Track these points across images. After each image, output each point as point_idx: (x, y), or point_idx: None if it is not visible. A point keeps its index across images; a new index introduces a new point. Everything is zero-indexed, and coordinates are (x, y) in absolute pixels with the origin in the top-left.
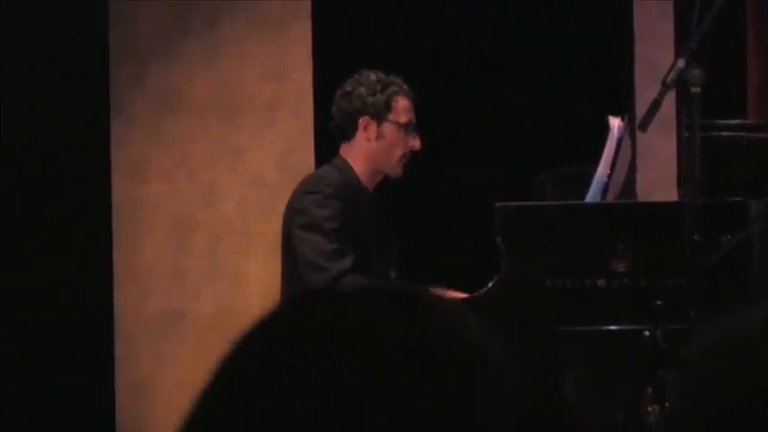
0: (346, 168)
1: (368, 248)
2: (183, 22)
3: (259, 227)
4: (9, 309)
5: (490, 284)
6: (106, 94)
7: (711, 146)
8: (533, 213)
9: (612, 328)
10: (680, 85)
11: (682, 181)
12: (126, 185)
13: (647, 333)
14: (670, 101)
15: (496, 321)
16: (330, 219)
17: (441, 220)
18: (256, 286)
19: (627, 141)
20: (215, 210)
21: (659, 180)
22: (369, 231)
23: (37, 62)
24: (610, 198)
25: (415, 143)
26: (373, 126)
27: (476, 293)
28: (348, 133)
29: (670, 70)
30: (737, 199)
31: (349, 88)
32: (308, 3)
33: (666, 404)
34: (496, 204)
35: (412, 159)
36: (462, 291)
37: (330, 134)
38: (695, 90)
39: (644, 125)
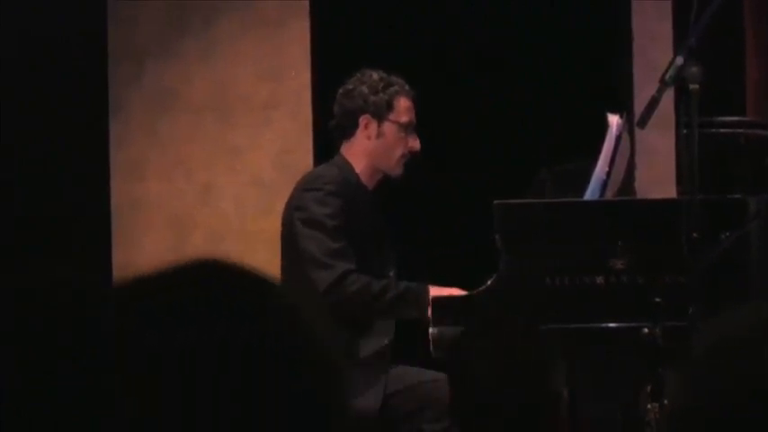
0: (346, 167)
1: (366, 247)
2: (180, 22)
3: (257, 226)
4: (9, 309)
5: (489, 282)
6: (105, 93)
7: (710, 143)
8: (532, 211)
9: (611, 325)
10: (678, 82)
11: (680, 178)
12: (124, 185)
13: (645, 331)
14: (669, 98)
15: (495, 319)
16: (331, 216)
17: (439, 218)
18: None
19: (626, 139)
20: (213, 209)
21: (658, 177)
22: (367, 230)
23: (35, 61)
24: (609, 195)
25: (415, 144)
26: (374, 125)
27: (474, 291)
28: (348, 132)
29: (668, 67)
30: (736, 196)
31: (351, 87)
32: (307, 2)
33: (665, 402)
34: (495, 202)
35: (411, 159)
36: (461, 289)
37: (329, 133)
38: (694, 87)
39: (643, 122)
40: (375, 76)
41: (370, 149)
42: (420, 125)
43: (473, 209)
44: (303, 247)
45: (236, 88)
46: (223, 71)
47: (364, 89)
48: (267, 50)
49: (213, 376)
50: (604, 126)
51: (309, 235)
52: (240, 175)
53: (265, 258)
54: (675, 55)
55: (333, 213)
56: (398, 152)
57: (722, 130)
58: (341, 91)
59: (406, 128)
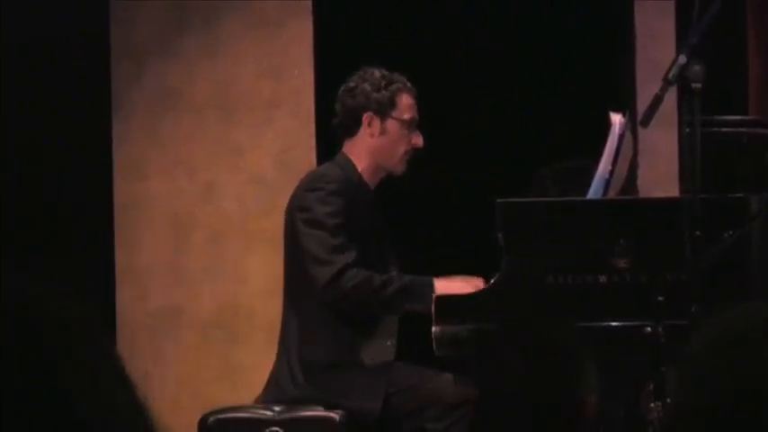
0: (348, 166)
1: (368, 246)
2: (182, 21)
3: (259, 225)
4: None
5: (491, 281)
6: (108, 92)
7: (712, 142)
8: (534, 210)
9: (613, 324)
10: (681, 81)
11: (683, 177)
12: (125, 184)
13: (648, 329)
14: (671, 97)
15: (497, 318)
16: (332, 215)
17: (442, 217)
18: (256, 284)
19: (628, 138)
20: (215, 208)
21: (660, 176)
22: (369, 229)
23: (37, 61)
24: (611, 194)
25: (418, 140)
26: (377, 122)
27: (477, 290)
28: (351, 129)
29: (671, 66)
30: (738, 195)
31: (353, 84)
32: (308, 1)
33: (668, 400)
34: (497, 201)
35: (414, 156)
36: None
37: (331, 132)
38: (696, 86)
39: (645, 121)
40: (377, 73)
41: (374, 147)
42: (421, 124)
43: (475, 208)
44: (304, 246)
45: (238, 87)
46: (225, 70)
47: (367, 86)
48: (269, 49)
49: None
50: (607, 125)
51: (311, 234)
52: (242, 174)
53: (266, 257)
54: (678, 54)
55: (334, 212)
56: (402, 149)
57: (724, 130)
58: (343, 89)
59: (409, 125)
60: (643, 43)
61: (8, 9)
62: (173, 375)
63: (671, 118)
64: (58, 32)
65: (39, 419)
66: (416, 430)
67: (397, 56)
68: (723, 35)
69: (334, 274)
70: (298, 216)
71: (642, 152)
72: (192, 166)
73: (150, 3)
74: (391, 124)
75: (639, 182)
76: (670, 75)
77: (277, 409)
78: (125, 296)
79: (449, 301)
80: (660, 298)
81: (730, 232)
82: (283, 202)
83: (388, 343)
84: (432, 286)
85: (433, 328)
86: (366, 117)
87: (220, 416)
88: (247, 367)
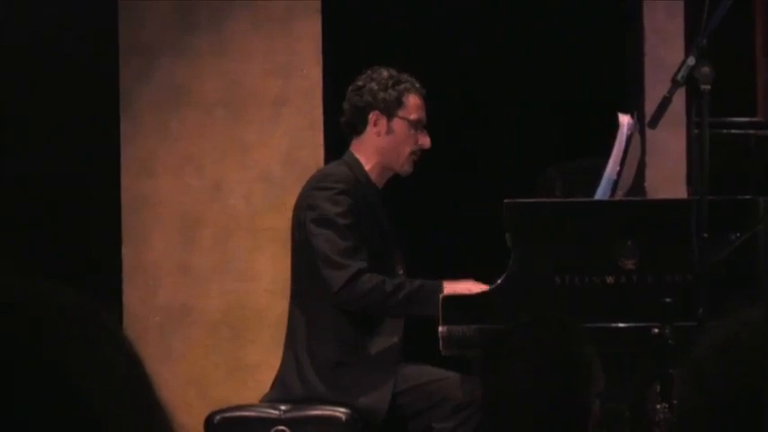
0: (355, 165)
1: (376, 245)
2: (190, 18)
3: (266, 222)
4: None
5: (498, 281)
6: (116, 90)
7: (720, 143)
8: (542, 210)
9: (620, 325)
10: (690, 82)
11: (690, 178)
12: (133, 181)
13: (655, 330)
14: (680, 98)
15: (504, 318)
16: (343, 215)
17: (449, 217)
18: (264, 281)
19: (636, 139)
20: (222, 205)
21: (668, 177)
22: (377, 228)
23: (45, 59)
24: (619, 195)
25: (425, 141)
26: (383, 121)
27: (484, 290)
28: (358, 128)
29: (680, 67)
30: (746, 196)
31: (361, 83)
32: (318, 0)
33: (674, 401)
34: (505, 201)
35: (421, 157)
36: (474, 280)
37: (339, 130)
38: (705, 87)
39: (654, 122)
40: (385, 73)
41: (380, 146)
42: (429, 123)
43: (483, 207)
44: (315, 247)
45: (246, 85)
46: (233, 68)
47: (374, 86)
48: (277, 47)
49: None
50: (615, 125)
51: (321, 234)
52: (250, 172)
53: (274, 255)
54: (687, 55)
55: (344, 212)
56: (407, 149)
57: (733, 131)
58: (351, 88)
59: (415, 125)
60: (652, 44)
61: (17, 7)
62: (181, 373)
63: (679, 119)
64: (66, 30)
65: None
66: (423, 430)
67: (404, 54)
68: (731, 37)
69: (347, 279)
70: (307, 215)
71: (650, 153)
72: (199, 163)
73: (159, 2)
74: (397, 124)
75: (647, 183)
76: (678, 76)
77: (283, 407)
78: (133, 294)
79: (455, 300)
80: (667, 299)
81: (738, 234)
82: (291, 200)
83: (395, 341)
84: (441, 291)
85: (440, 328)
86: (372, 116)
87: (227, 414)
88: (255, 365)
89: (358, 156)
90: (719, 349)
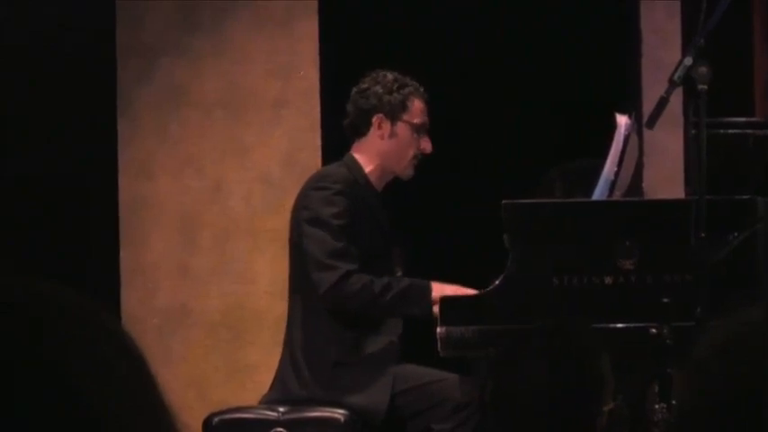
0: (355, 166)
1: (373, 247)
2: (189, 19)
3: (266, 224)
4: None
5: (497, 282)
6: (113, 91)
7: (718, 143)
8: (540, 211)
9: (619, 325)
10: (687, 82)
11: (688, 178)
12: (132, 182)
13: (653, 330)
14: (677, 98)
15: (502, 319)
16: (337, 216)
17: (448, 218)
18: (263, 283)
19: (634, 139)
20: (222, 207)
21: (666, 177)
22: (374, 230)
23: (43, 60)
24: (616, 196)
25: (427, 145)
26: (387, 124)
27: (482, 291)
28: (361, 130)
29: (677, 67)
30: (744, 196)
31: (365, 86)
32: (315, 1)
33: (673, 402)
34: (503, 202)
35: (422, 159)
36: (464, 286)
37: (338, 131)
38: (702, 87)
39: (651, 122)
40: (390, 76)
41: (383, 149)
42: (429, 123)
43: (481, 208)
44: (306, 247)
45: (246, 86)
46: (232, 69)
47: (379, 89)
48: (276, 48)
49: None
50: (613, 126)
51: (313, 234)
52: (249, 174)
53: (274, 256)
54: (684, 55)
55: (339, 213)
56: (410, 153)
57: (730, 131)
58: (355, 90)
59: (418, 129)
60: (649, 44)
61: (15, 8)
62: (180, 375)
63: (677, 119)
64: (65, 31)
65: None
66: (422, 430)
67: (404, 54)
68: (729, 36)
69: (335, 281)
70: (302, 215)
71: (648, 153)
72: (199, 164)
73: (158, 2)
74: (401, 128)
75: (645, 183)
76: (676, 76)
77: (282, 409)
78: (132, 295)
79: (454, 301)
80: (666, 299)
81: (736, 234)
82: (290, 201)
83: (394, 341)
84: (429, 291)
85: (438, 329)
86: (376, 119)
87: (225, 416)
88: (255, 366)
89: (359, 158)
90: (719, 349)
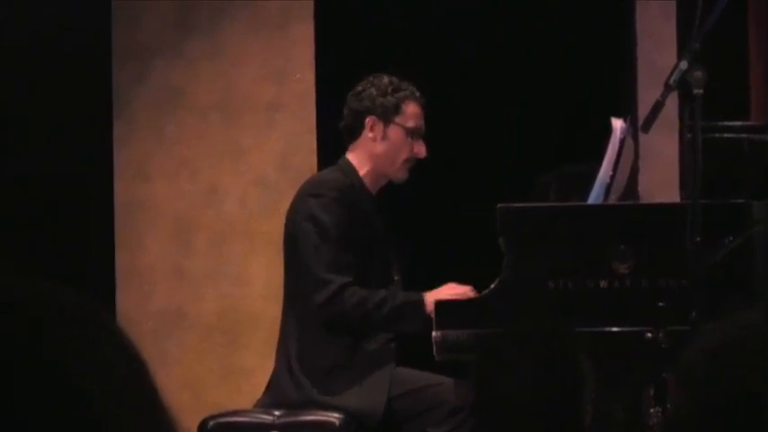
0: (350, 171)
1: (370, 252)
2: (185, 22)
3: (261, 227)
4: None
5: (492, 286)
6: (109, 93)
7: (713, 148)
8: (535, 214)
9: (614, 329)
10: (682, 86)
11: (684, 182)
12: (127, 185)
13: (649, 334)
14: (673, 102)
15: (498, 323)
16: (334, 224)
17: (443, 221)
18: (258, 286)
19: (629, 143)
20: (217, 210)
21: (661, 181)
22: (371, 235)
23: (39, 61)
24: (612, 199)
25: (420, 150)
26: (380, 126)
27: (478, 295)
28: (354, 132)
29: (672, 71)
30: (739, 200)
31: (360, 88)
32: (311, 3)
33: (668, 406)
34: (498, 205)
35: (416, 163)
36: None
37: (334, 135)
38: (698, 91)
39: (646, 126)
40: (386, 79)
41: (374, 152)
42: (424, 127)
43: (477, 212)
44: (302, 257)
45: (241, 89)
46: (228, 72)
47: (373, 91)
48: (272, 51)
49: None
50: (608, 130)
51: (311, 244)
52: (245, 176)
53: (269, 259)
54: (679, 59)
55: (337, 222)
56: (402, 156)
57: (726, 135)
58: (351, 92)
59: (412, 133)
60: (645, 48)
61: (10, 9)
62: (175, 378)
63: (672, 123)
64: (60, 33)
65: (51, 418)
66: None
67: (400, 58)
68: (724, 40)
69: (330, 295)
70: (299, 222)
71: (643, 157)
72: (194, 167)
73: (154, 4)
74: (393, 130)
75: (640, 187)
76: (671, 80)
77: (277, 413)
78: (127, 298)
79: (449, 305)
80: (661, 303)
81: (731, 238)
82: (285, 204)
83: (389, 344)
84: (423, 307)
85: (434, 333)
86: (369, 120)
87: (221, 420)
88: (250, 369)
89: (353, 161)
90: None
